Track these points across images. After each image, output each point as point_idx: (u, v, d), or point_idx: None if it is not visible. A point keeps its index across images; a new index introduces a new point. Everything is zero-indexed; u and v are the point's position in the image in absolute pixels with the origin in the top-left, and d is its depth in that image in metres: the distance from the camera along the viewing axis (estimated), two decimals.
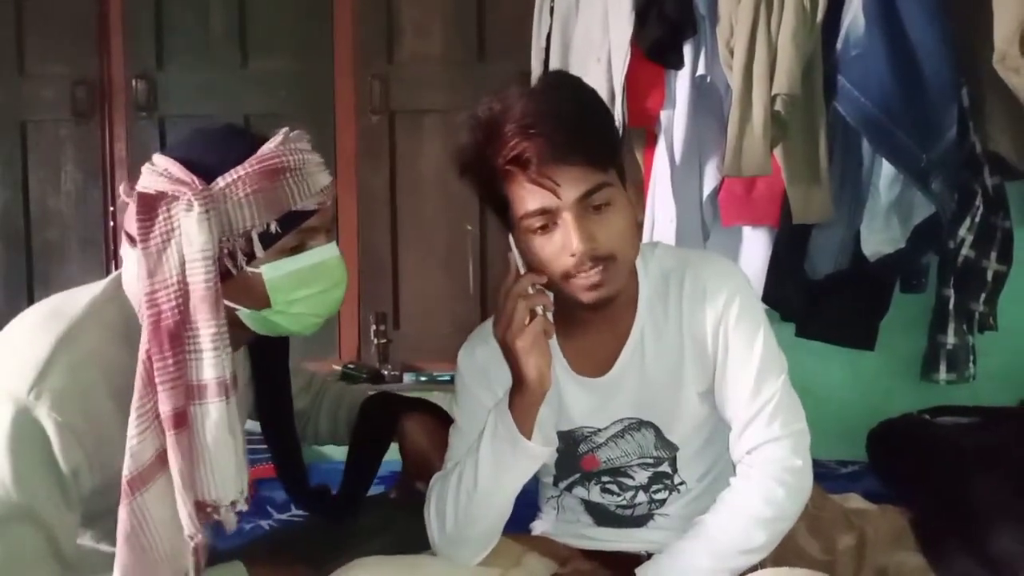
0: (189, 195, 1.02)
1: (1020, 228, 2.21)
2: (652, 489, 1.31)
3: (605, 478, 1.31)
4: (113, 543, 1.05)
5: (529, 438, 1.17)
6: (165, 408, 1.02)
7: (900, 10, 1.84)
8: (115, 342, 1.08)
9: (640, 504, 1.31)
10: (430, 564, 1.24)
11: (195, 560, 1.07)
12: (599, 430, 1.28)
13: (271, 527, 2.00)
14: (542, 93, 1.17)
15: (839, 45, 1.90)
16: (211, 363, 1.03)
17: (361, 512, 1.38)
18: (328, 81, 2.71)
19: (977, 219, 2.10)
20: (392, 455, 1.41)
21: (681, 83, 2.03)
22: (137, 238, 1.04)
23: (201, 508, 1.06)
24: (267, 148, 1.08)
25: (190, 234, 1.02)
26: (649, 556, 1.26)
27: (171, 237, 1.03)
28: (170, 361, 1.02)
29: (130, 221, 1.06)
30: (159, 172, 1.07)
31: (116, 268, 1.17)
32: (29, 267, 2.79)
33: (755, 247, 2.09)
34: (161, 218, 1.03)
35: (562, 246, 1.12)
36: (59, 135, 2.77)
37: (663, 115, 2.07)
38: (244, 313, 1.10)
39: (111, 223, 2.75)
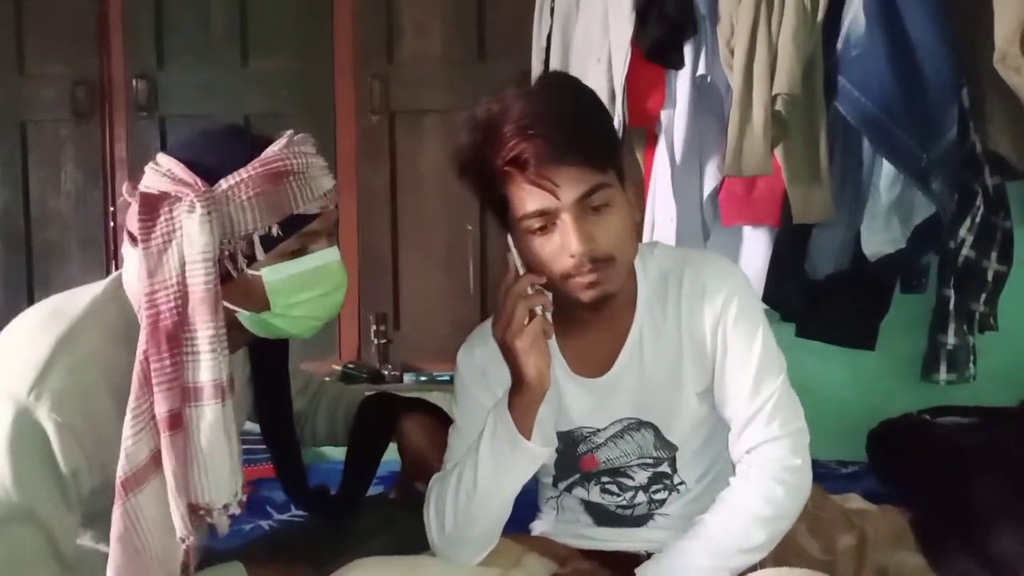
0: (191, 196, 1.02)
1: (1020, 228, 2.21)
2: (652, 489, 1.31)
3: (605, 478, 1.31)
4: None
5: (528, 438, 1.17)
6: (161, 409, 1.02)
7: (901, 10, 1.84)
8: (115, 342, 1.07)
9: (640, 504, 1.31)
10: (429, 564, 1.24)
11: (186, 562, 1.07)
12: (598, 430, 1.28)
13: (271, 527, 2.00)
14: (540, 94, 1.17)
15: (839, 45, 1.90)
16: (208, 365, 1.03)
17: (360, 512, 1.38)
18: (328, 81, 2.71)
19: (977, 219, 2.10)
20: (391, 455, 1.41)
21: (681, 83, 2.03)
22: (138, 238, 1.04)
23: (194, 510, 1.06)
24: (271, 151, 1.07)
25: (191, 235, 1.02)
26: (649, 556, 1.26)
27: (172, 238, 1.03)
28: (167, 362, 1.02)
29: (132, 220, 1.06)
30: (162, 172, 1.07)
31: (116, 268, 1.17)
32: (29, 267, 2.80)
33: (755, 247, 2.09)
34: (163, 218, 1.03)
35: (561, 247, 1.12)
36: (59, 135, 2.78)
37: (663, 115, 2.07)
38: (243, 315, 1.10)
39: (111, 223, 2.76)
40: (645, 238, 2.07)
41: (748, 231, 2.11)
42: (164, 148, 1.13)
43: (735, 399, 1.22)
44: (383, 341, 2.69)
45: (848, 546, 1.70)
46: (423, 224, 2.71)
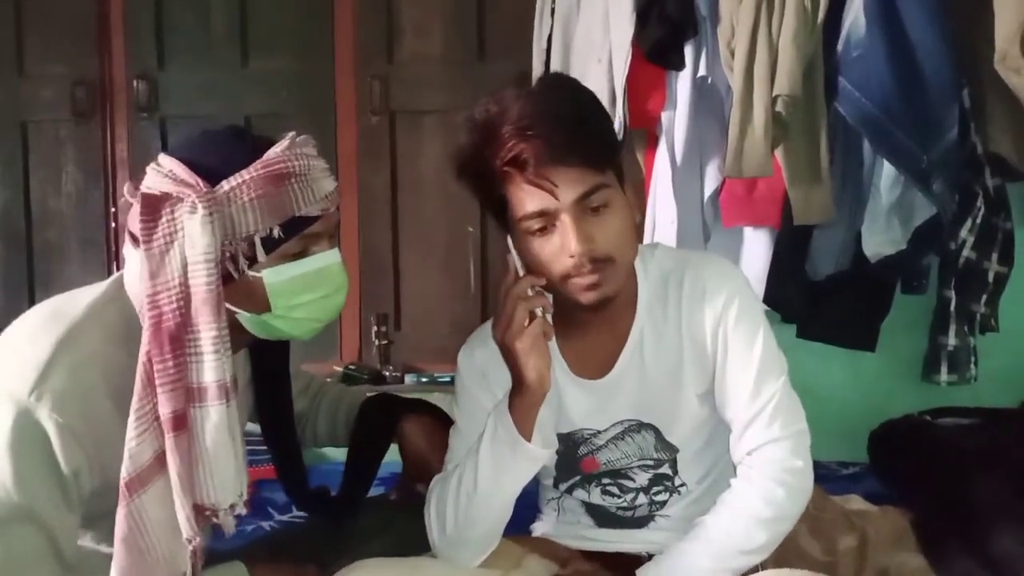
0: (193, 197, 1.02)
1: (1021, 229, 2.20)
2: (652, 491, 1.30)
3: (605, 480, 1.30)
4: (113, 544, 1.05)
5: (529, 440, 1.17)
6: (165, 410, 1.02)
7: (901, 11, 1.84)
8: (116, 343, 1.07)
9: (640, 506, 1.31)
10: (430, 566, 1.24)
11: (193, 563, 1.07)
12: (599, 432, 1.28)
13: (272, 528, 2.00)
14: (539, 94, 1.17)
15: (840, 46, 1.90)
16: (212, 366, 1.03)
17: (361, 513, 1.38)
18: (328, 81, 2.71)
19: (978, 220, 2.10)
20: (392, 456, 1.41)
21: (682, 84, 2.03)
22: (140, 239, 1.04)
23: (199, 511, 1.06)
24: (273, 153, 1.07)
25: (193, 236, 1.02)
26: (650, 557, 1.26)
27: (174, 239, 1.03)
28: (170, 363, 1.02)
29: (134, 221, 1.06)
30: (164, 173, 1.07)
31: (117, 269, 1.17)
32: (30, 268, 2.80)
33: (756, 248, 2.09)
34: (164, 219, 1.03)
35: (561, 247, 1.12)
36: (59, 135, 2.78)
37: (664, 116, 2.07)
38: (244, 317, 1.10)
39: (112, 224, 2.76)
40: (646, 239, 2.07)
41: (749, 232, 2.11)
42: (164, 148, 1.13)
43: (736, 401, 1.22)
44: (384, 342, 2.69)
45: (849, 547, 1.70)
46: (424, 224, 2.71)
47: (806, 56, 1.86)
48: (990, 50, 1.77)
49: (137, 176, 1.10)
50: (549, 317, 1.16)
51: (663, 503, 1.31)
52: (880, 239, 2.04)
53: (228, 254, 1.05)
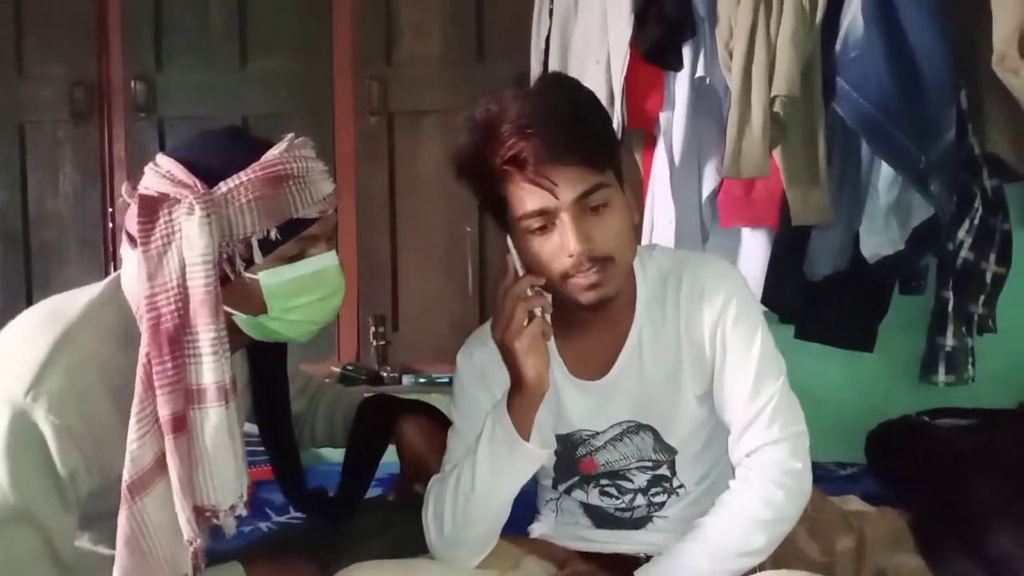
0: (191, 198, 1.02)
1: (1019, 230, 2.20)
2: (651, 492, 1.30)
3: (604, 481, 1.30)
4: (111, 545, 1.05)
5: (527, 440, 1.17)
6: (164, 412, 1.02)
7: (899, 11, 1.84)
8: (113, 344, 1.07)
9: (639, 507, 1.31)
10: (428, 567, 1.24)
11: (194, 564, 1.07)
12: (597, 433, 1.28)
13: (269, 529, 2.00)
14: (539, 94, 1.17)
15: (838, 46, 1.90)
16: (211, 367, 1.03)
17: (359, 514, 1.37)
18: (327, 82, 2.71)
19: (976, 221, 2.10)
20: (390, 457, 1.41)
21: (680, 85, 2.03)
22: (138, 240, 1.04)
23: (200, 512, 1.06)
24: (271, 155, 1.07)
25: (191, 238, 1.02)
26: (647, 558, 1.26)
27: (172, 240, 1.03)
28: (169, 365, 1.02)
29: (131, 222, 1.05)
30: (162, 174, 1.06)
31: (115, 269, 1.17)
32: (27, 268, 2.79)
33: (754, 249, 2.09)
34: (162, 221, 1.03)
35: (560, 246, 1.13)
36: (57, 136, 2.78)
37: (662, 117, 2.07)
38: (241, 318, 1.10)
39: (110, 224, 2.75)
40: (644, 240, 2.07)
41: (747, 233, 2.11)
42: (163, 149, 1.12)
43: (734, 402, 1.22)
44: (382, 343, 2.69)
45: (847, 548, 1.70)
46: (422, 225, 2.71)
47: (804, 57, 1.86)
48: (988, 51, 1.76)
49: (135, 177, 1.10)
50: (548, 317, 1.16)
51: (661, 504, 1.31)
52: (878, 240, 2.04)
53: (225, 255, 1.05)
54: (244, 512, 1.10)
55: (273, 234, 1.06)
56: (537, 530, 1.39)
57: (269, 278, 1.08)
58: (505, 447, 1.17)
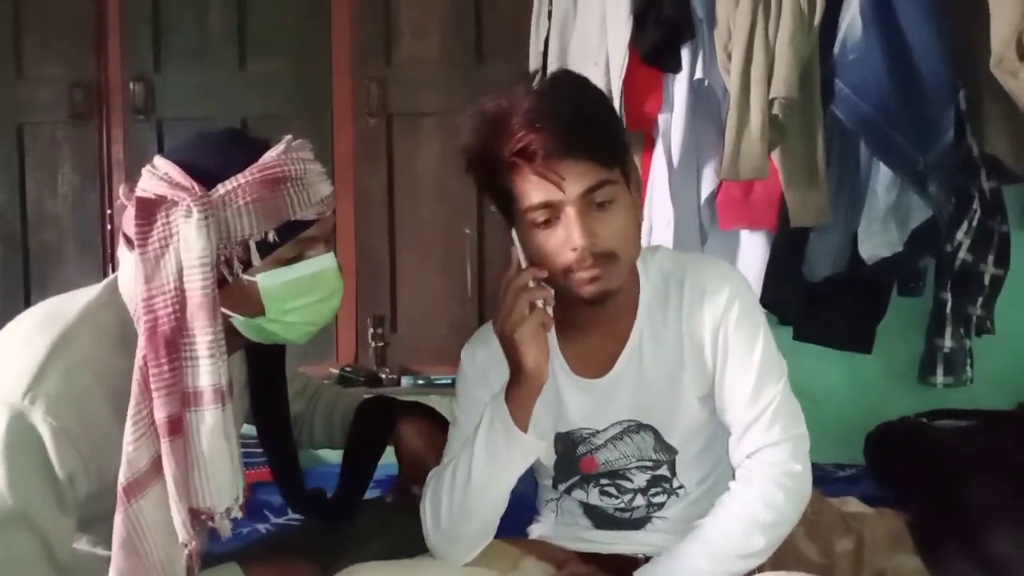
0: (188, 201, 1.02)
1: (1017, 232, 2.21)
2: (651, 492, 1.30)
3: (604, 480, 1.31)
4: (109, 547, 1.04)
5: (524, 431, 1.17)
6: (160, 415, 1.02)
7: (897, 13, 1.84)
8: (110, 346, 1.07)
9: (638, 507, 1.31)
10: (427, 568, 1.24)
11: (189, 566, 1.06)
12: (597, 432, 1.28)
13: (268, 531, 2.00)
14: (550, 90, 1.19)
15: (836, 48, 1.90)
16: (207, 370, 1.03)
17: (357, 516, 1.37)
18: (326, 83, 2.71)
19: (974, 223, 2.10)
20: (388, 458, 1.40)
21: (679, 87, 2.03)
22: (135, 242, 1.04)
23: (196, 515, 1.06)
24: (269, 156, 1.07)
25: (188, 240, 1.02)
26: (647, 559, 1.26)
27: (169, 243, 1.03)
28: (166, 368, 1.02)
29: (128, 224, 1.05)
30: (159, 176, 1.06)
31: (113, 270, 1.17)
32: (26, 269, 2.79)
33: (753, 250, 2.09)
34: (160, 223, 1.03)
35: (564, 240, 1.13)
36: (56, 137, 2.78)
37: (661, 119, 2.07)
38: (238, 320, 1.10)
39: (108, 225, 2.75)
40: (643, 241, 2.07)
41: (745, 234, 2.11)
42: (161, 150, 1.13)
43: (736, 404, 1.22)
44: (380, 344, 2.69)
45: (846, 550, 1.70)
46: (420, 227, 2.71)
47: (803, 59, 1.86)
48: (986, 53, 1.77)
49: (134, 178, 1.10)
50: (550, 309, 1.16)
51: (661, 505, 1.31)
52: (876, 241, 2.04)
53: (223, 258, 1.05)
54: (240, 515, 1.10)
55: (271, 236, 1.06)
56: (536, 531, 1.39)
57: (267, 280, 1.08)
58: (502, 438, 1.17)
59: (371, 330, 2.69)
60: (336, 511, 1.38)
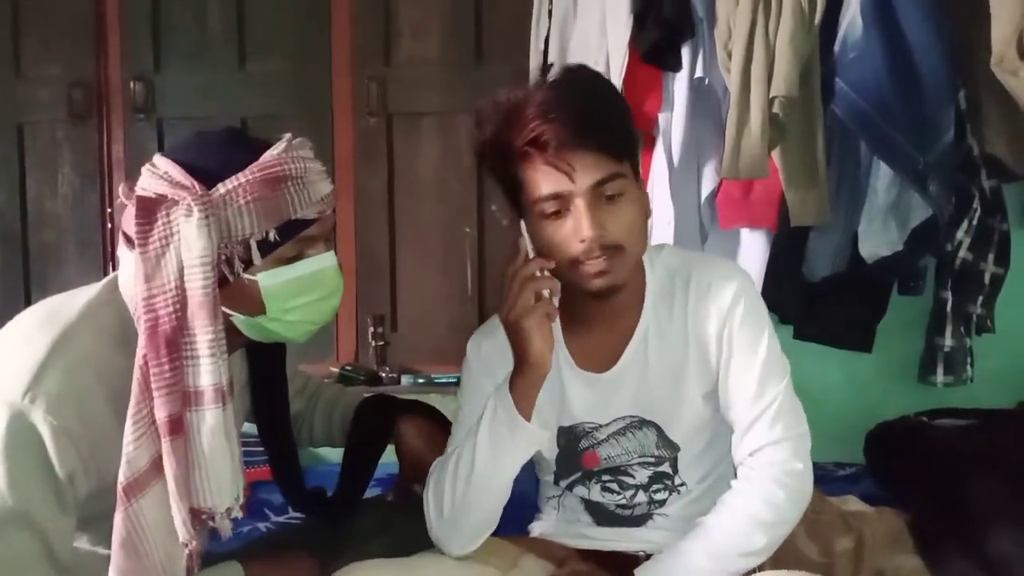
0: (189, 200, 1.02)
1: (1017, 231, 2.21)
2: (652, 489, 1.31)
3: (605, 476, 1.31)
4: (110, 546, 1.04)
5: (528, 420, 1.17)
6: (161, 414, 1.02)
7: (898, 12, 1.84)
8: (111, 345, 1.07)
9: (639, 504, 1.31)
10: (427, 566, 1.24)
11: (189, 566, 1.06)
12: (600, 426, 1.28)
13: (268, 529, 2.00)
14: (563, 82, 1.19)
15: (837, 47, 1.90)
16: (208, 370, 1.03)
17: (358, 514, 1.38)
18: (326, 83, 2.71)
19: (974, 222, 2.10)
20: (389, 457, 1.40)
21: (679, 86, 2.03)
22: (135, 241, 1.03)
23: (196, 515, 1.06)
24: (269, 155, 1.07)
25: (189, 240, 1.02)
26: (647, 557, 1.26)
27: (170, 242, 1.03)
28: (166, 367, 1.02)
29: (128, 223, 1.05)
30: (159, 175, 1.06)
31: (113, 270, 1.17)
32: (26, 269, 2.79)
33: (753, 249, 2.09)
34: (160, 222, 1.03)
35: (573, 231, 1.14)
36: (56, 137, 2.77)
37: (661, 118, 2.07)
38: (239, 319, 1.10)
39: (108, 225, 2.75)
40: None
41: (746, 233, 2.11)
42: (161, 150, 1.12)
43: (739, 402, 1.22)
44: (380, 343, 2.68)
45: (846, 549, 1.70)
46: (420, 226, 2.71)
47: (803, 58, 1.86)
48: (986, 52, 1.77)
49: (134, 177, 1.10)
50: (556, 299, 1.17)
51: (662, 502, 1.31)
52: (876, 240, 2.04)
53: (223, 257, 1.05)
54: (240, 514, 1.10)
55: (271, 235, 1.06)
56: (537, 529, 1.39)
57: (268, 279, 1.08)
58: (506, 427, 1.18)
59: (371, 329, 2.69)
60: (336, 510, 1.38)
